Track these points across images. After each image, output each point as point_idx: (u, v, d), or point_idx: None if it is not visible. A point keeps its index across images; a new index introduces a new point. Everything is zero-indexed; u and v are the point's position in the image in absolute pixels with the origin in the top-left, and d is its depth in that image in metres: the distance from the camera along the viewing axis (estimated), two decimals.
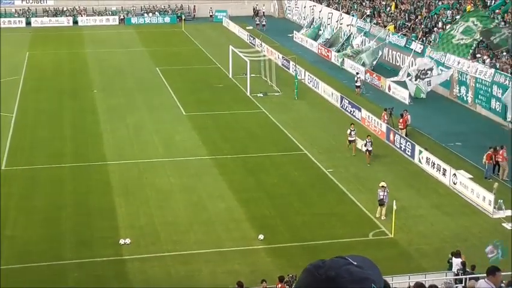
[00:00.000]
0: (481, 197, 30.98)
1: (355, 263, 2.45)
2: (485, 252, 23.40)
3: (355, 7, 68.52)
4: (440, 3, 56.85)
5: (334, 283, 2.34)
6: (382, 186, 30.05)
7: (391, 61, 56.72)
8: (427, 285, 16.84)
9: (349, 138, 37.76)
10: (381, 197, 29.88)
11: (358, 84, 51.06)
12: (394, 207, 27.82)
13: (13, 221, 30.13)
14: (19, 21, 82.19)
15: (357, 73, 53.34)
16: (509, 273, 20.72)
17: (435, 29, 53.32)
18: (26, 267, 26.23)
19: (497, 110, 42.29)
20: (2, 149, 38.72)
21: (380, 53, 56.68)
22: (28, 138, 41.01)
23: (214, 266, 26.38)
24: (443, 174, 33.82)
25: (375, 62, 56.21)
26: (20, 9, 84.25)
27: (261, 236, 28.17)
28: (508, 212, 30.11)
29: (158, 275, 25.89)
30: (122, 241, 27.90)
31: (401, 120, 40.53)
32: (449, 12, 53.96)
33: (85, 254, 27.12)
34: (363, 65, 55.05)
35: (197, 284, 24.72)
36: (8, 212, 30.82)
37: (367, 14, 64.49)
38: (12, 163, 36.74)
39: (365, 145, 36.37)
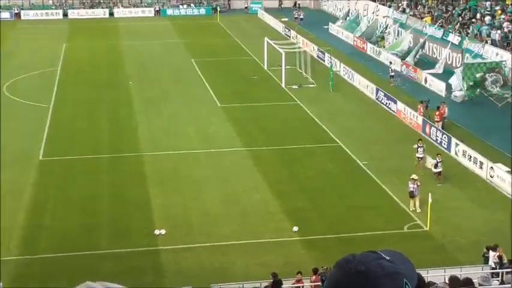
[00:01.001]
0: None
1: (387, 258, 2.40)
2: None
3: None
4: None
5: (365, 277, 2.30)
6: (413, 179, 29.89)
7: (427, 53, 56.18)
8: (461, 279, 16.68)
9: (417, 155, 34.05)
10: (411, 189, 29.74)
11: (392, 74, 50.73)
12: (430, 200, 27.60)
13: (51, 211, 30.50)
14: (56, 13, 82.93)
15: (390, 63, 52.93)
16: None
17: (473, 20, 52.69)
18: (63, 256, 26.54)
19: None
20: (39, 139, 39.18)
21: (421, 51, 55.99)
22: (65, 129, 41.42)
23: (248, 258, 26.44)
24: (480, 167, 33.46)
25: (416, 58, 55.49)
26: (57, 1, 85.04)
27: (295, 228, 28.16)
28: None
29: (191, 266, 26.03)
30: (156, 232, 28.09)
31: (437, 113, 40.17)
32: (487, 4, 53.27)
33: (120, 244, 27.36)
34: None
35: (230, 275, 24.78)
36: (45, 202, 31.22)
37: (404, 5, 63.93)
38: (49, 154, 37.16)
39: (435, 166, 32.72)
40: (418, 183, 29.71)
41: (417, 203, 29.63)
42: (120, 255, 26.64)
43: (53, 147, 38.20)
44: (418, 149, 34.00)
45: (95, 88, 50.54)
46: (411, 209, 29.78)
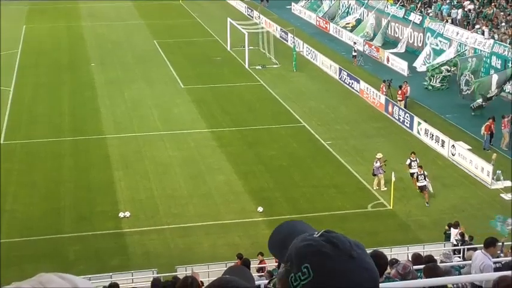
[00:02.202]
0: (479, 168, 31.05)
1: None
2: (507, 223, 23.63)
3: None
4: None
5: None
6: (377, 158, 30.10)
7: (389, 32, 56.45)
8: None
9: (410, 171, 30.28)
10: (374, 167, 30.00)
11: (355, 53, 50.97)
12: (393, 178, 27.88)
13: (13, 195, 30.19)
14: None
15: (354, 43, 53.15)
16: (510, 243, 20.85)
17: None
18: (27, 240, 26.34)
19: None
20: (0, 123, 38.68)
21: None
22: (26, 113, 40.93)
23: (214, 239, 26.50)
24: (442, 146, 33.86)
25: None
26: None
27: (260, 209, 28.27)
28: (507, 183, 30.19)
29: (158, 247, 26.01)
30: (121, 214, 28.00)
31: (400, 92, 40.48)
32: None
33: (85, 228, 27.22)
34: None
35: (197, 256, 24.83)
36: (8, 187, 30.86)
37: None
38: (11, 137, 36.71)
39: (417, 179, 29.38)
40: (382, 162, 29.91)
41: (382, 182, 29.88)
42: (85, 239, 26.51)
43: (14, 130, 37.74)
44: (412, 163, 30.18)
45: (56, 70, 49.95)
46: (375, 188, 30.04)
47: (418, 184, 29.19)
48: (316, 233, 2.08)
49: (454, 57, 43.66)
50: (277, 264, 18.47)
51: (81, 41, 59.63)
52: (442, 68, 43.93)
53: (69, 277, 1.56)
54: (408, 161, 30.49)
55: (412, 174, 30.01)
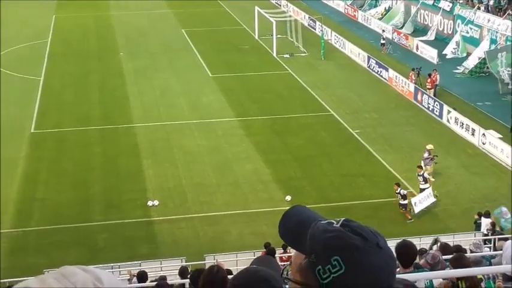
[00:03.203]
0: (510, 156, 30.68)
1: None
2: (501, 211, 23.40)
3: None
4: None
5: None
6: (427, 149, 29.63)
7: (419, 20, 55.95)
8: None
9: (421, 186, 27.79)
10: (423, 158, 29.52)
11: (383, 41, 50.64)
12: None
13: (44, 183, 30.46)
14: None
15: (383, 31, 52.80)
16: None
17: None
18: (57, 228, 26.56)
19: None
20: (31, 112, 39.02)
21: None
22: (56, 102, 41.22)
23: (241, 228, 26.52)
24: (472, 134, 33.52)
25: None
26: None
27: (288, 197, 28.22)
28: None
29: (185, 236, 26.10)
30: (150, 203, 28.12)
31: (429, 80, 40.14)
32: None
33: (114, 216, 27.39)
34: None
35: (225, 245, 24.86)
36: (38, 175, 31.16)
37: None
38: (41, 126, 37.02)
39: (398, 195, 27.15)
40: (431, 154, 29.31)
41: (430, 173, 29.31)
42: (114, 227, 26.67)
43: (44, 119, 38.04)
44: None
45: (85, 59, 50.24)
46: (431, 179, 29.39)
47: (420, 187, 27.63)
48: (335, 222, 2.04)
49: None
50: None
51: (110, 30, 59.88)
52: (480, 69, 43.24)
53: (92, 270, 1.54)
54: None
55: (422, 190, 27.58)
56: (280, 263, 18.97)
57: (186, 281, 12.66)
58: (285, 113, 38.34)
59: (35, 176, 31.05)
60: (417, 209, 26.63)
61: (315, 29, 56.86)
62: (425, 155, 29.55)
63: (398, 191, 26.99)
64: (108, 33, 58.77)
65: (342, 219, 2.05)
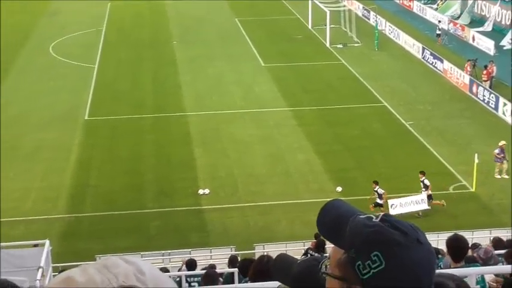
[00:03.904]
0: None
1: None
2: None
3: None
4: None
5: None
6: (499, 145, 29.09)
7: (476, 10, 55.01)
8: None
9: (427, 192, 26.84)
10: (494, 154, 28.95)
11: (439, 32, 49.93)
12: (476, 160, 27.23)
13: (97, 170, 30.87)
14: None
15: (439, 21, 52.05)
16: None
17: None
18: (109, 215, 26.91)
19: None
20: (85, 99, 39.56)
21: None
22: (110, 89, 41.69)
23: (292, 218, 26.49)
24: None
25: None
26: None
27: (339, 188, 28.08)
28: None
29: (236, 225, 26.19)
30: (201, 191, 28.28)
31: (485, 72, 39.45)
32: None
33: (166, 203, 27.61)
34: None
35: (275, 234, 24.87)
36: (92, 162, 31.60)
37: None
38: (95, 114, 37.50)
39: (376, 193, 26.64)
40: (501, 151, 28.84)
41: (503, 169, 28.83)
42: (166, 214, 26.90)
43: (98, 107, 38.53)
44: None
45: (139, 48, 50.67)
46: (496, 176, 28.99)
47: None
48: (374, 217, 2.00)
49: None
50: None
51: (164, 18, 60.26)
52: None
53: (135, 261, 1.52)
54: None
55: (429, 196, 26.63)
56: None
57: (235, 270, 12.69)
58: (338, 104, 38.12)
59: (89, 162, 31.50)
60: (393, 212, 24.80)
61: (369, 19, 56.35)
62: (497, 151, 29.02)
63: (376, 189, 26.42)
64: (162, 21, 59.16)
65: (381, 214, 2.01)
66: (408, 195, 26.53)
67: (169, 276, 12.71)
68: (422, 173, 26.97)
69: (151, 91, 41.32)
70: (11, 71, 44.88)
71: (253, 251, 21.83)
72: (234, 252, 20.30)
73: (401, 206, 25.99)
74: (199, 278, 13.44)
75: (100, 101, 39.45)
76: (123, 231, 25.67)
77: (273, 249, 21.33)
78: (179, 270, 16.05)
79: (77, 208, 27.42)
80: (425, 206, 26.06)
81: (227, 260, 17.36)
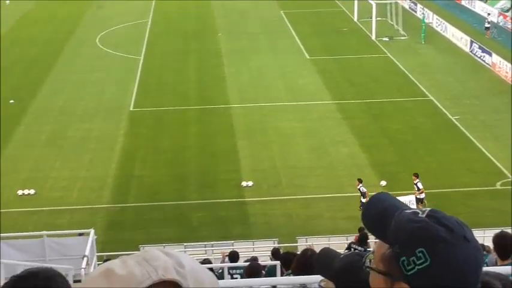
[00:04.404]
0: None
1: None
2: None
3: None
4: None
5: None
6: None
7: None
8: None
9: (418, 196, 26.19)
10: None
11: (487, 25, 49.17)
12: None
13: (141, 160, 31.14)
14: None
15: (488, 14, 51.27)
16: None
17: None
18: (153, 205, 27.12)
19: None
20: (130, 90, 39.89)
21: None
22: (155, 81, 41.96)
23: (335, 211, 26.39)
24: None
25: None
26: None
27: (383, 182, 27.87)
28: None
29: (278, 218, 26.17)
30: (244, 183, 28.31)
31: None
32: None
33: (209, 195, 27.72)
34: None
35: (318, 228, 24.80)
36: (136, 152, 31.87)
37: None
38: (140, 105, 37.80)
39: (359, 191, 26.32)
40: None
41: None
42: (209, 206, 27.01)
43: (143, 98, 38.82)
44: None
45: (184, 39, 50.89)
46: None
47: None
48: (420, 212, 1.96)
49: None
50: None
51: (209, 10, 60.37)
52: None
53: (175, 254, 1.50)
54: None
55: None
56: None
57: (278, 263, 12.66)
58: (382, 97, 37.82)
59: (134, 153, 31.78)
60: None
61: (415, 12, 55.76)
62: None
63: (359, 187, 26.08)
64: (207, 13, 59.28)
65: (428, 209, 1.97)
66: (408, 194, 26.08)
67: (212, 268, 12.72)
68: (416, 175, 26.36)
69: (195, 83, 41.49)
70: (58, 62, 45.46)
71: (295, 244, 21.79)
72: (276, 245, 20.28)
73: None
74: (242, 270, 13.45)
75: (145, 93, 39.74)
76: (166, 222, 25.85)
77: (315, 243, 21.26)
78: (222, 262, 16.09)
79: (121, 198, 27.70)
80: (414, 207, 25.10)
81: (269, 252, 17.35)
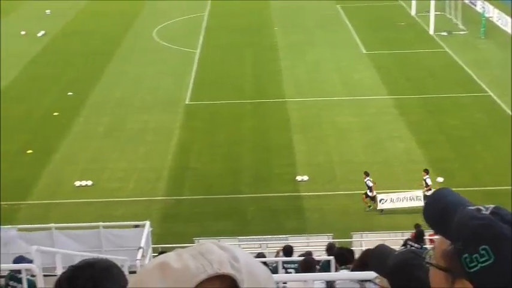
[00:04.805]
0: None
1: None
2: None
3: None
4: None
5: None
6: None
7: None
8: None
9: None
10: None
11: None
12: None
13: (196, 153, 31.34)
14: None
15: None
16: None
17: None
18: (207, 198, 27.26)
19: None
20: (186, 84, 40.16)
21: None
22: (211, 74, 42.16)
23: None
24: None
25: None
26: None
27: (440, 179, 27.50)
28: None
29: (334, 212, 26.05)
30: (299, 178, 28.26)
31: None
32: None
33: (263, 189, 27.75)
34: None
35: (373, 224, 24.64)
36: (191, 145, 32.10)
37: None
38: (196, 98, 38.03)
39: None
40: None
41: None
42: (262, 200, 27.03)
43: (199, 91, 39.05)
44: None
45: (240, 33, 50.99)
46: None
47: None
48: (484, 209, 1.90)
49: None
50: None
51: (265, 4, 60.33)
52: None
53: (230, 248, 1.48)
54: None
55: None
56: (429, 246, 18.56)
57: (332, 258, 12.60)
58: (440, 93, 37.30)
59: (189, 146, 32.01)
60: (381, 207, 25.74)
61: (475, 6, 54.84)
62: None
63: (365, 180, 26.27)
64: (263, 7, 59.27)
65: (492, 206, 1.91)
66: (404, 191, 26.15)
67: (266, 262, 12.72)
68: (426, 171, 26.36)
69: (251, 77, 41.57)
70: (116, 55, 46.04)
71: (350, 240, 21.68)
72: (331, 240, 20.19)
73: (391, 201, 25.84)
74: (296, 265, 13.42)
75: (201, 86, 39.97)
76: (220, 215, 25.96)
77: (370, 239, 21.13)
78: (276, 256, 16.08)
79: (176, 191, 27.92)
80: (420, 203, 24.88)
81: (324, 247, 17.27)
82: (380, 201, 26.00)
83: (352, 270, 7.91)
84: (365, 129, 33.02)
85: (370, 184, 26.25)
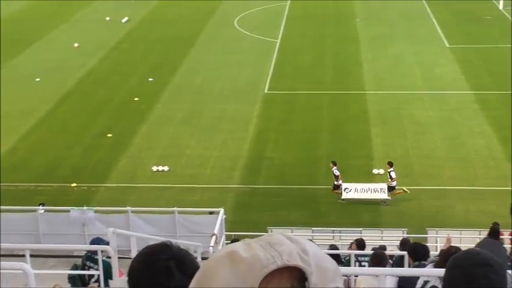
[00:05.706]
0: None
1: None
2: None
3: None
4: None
5: None
6: None
7: None
8: None
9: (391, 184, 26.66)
10: None
11: None
12: None
13: (273, 142, 31.37)
14: None
15: None
16: None
17: None
18: (282, 188, 27.25)
19: None
20: (266, 73, 40.22)
21: None
22: (290, 64, 42.11)
23: (467, 204, 25.66)
24: None
25: None
26: None
27: None
28: None
29: (410, 207, 25.71)
30: (375, 171, 28.00)
31: None
32: None
33: None
34: None
35: (449, 220, 24.18)
36: (268, 134, 32.14)
37: None
38: (274, 87, 38.05)
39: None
40: None
41: None
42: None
43: (278, 81, 39.06)
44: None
45: (322, 23, 50.74)
46: None
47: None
48: None
49: None
50: None
51: None
52: None
53: (299, 240, 1.44)
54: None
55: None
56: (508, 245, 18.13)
57: (405, 253, 12.41)
58: None
59: (265, 134, 32.06)
60: (345, 196, 25.94)
61: None
62: None
63: (333, 169, 26.43)
64: None
65: None
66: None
67: (339, 255, 12.64)
68: (390, 164, 26.66)
69: (331, 68, 41.32)
70: (197, 42, 46.46)
71: (425, 236, 21.33)
72: (405, 235, 19.91)
73: (356, 191, 26.08)
74: (369, 258, 13.28)
75: (280, 76, 39.97)
76: (294, 205, 25.92)
77: (446, 236, 20.71)
78: (350, 249, 15.97)
79: (251, 179, 28.01)
80: (384, 195, 25.94)
81: (397, 242, 17.05)
82: (344, 190, 26.17)
83: (435, 267, 7.77)
84: (445, 124, 32.44)
85: (337, 173, 26.47)
